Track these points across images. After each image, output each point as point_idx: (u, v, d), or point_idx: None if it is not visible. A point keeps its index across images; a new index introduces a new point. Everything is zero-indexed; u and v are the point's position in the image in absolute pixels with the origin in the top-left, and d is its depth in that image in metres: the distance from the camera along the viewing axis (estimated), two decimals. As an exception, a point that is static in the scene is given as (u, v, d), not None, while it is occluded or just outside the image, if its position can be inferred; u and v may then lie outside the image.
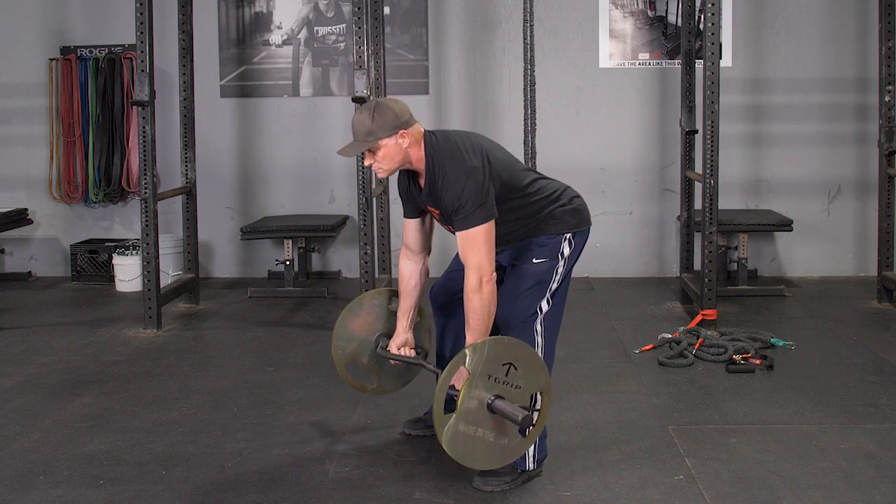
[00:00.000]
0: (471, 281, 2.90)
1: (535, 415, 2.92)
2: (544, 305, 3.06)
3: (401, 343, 3.28)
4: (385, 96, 5.72)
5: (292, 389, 4.11)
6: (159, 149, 5.49)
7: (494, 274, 2.94)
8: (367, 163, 3.05)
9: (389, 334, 3.33)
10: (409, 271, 3.25)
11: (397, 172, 3.12)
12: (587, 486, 3.05)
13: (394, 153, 2.98)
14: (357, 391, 3.48)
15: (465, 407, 2.78)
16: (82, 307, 5.91)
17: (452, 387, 2.81)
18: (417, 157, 3.01)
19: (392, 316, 3.35)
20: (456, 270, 3.28)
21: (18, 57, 6.73)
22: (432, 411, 2.78)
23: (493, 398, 2.81)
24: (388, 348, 3.30)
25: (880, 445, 3.36)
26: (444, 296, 3.33)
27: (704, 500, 2.94)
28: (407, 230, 3.23)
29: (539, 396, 2.92)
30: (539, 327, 3.05)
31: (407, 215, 3.21)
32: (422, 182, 3.06)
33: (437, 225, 3.23)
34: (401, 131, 2.96)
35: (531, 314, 3.04)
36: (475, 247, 2.91)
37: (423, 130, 3.03)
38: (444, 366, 3.49)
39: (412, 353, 3.29)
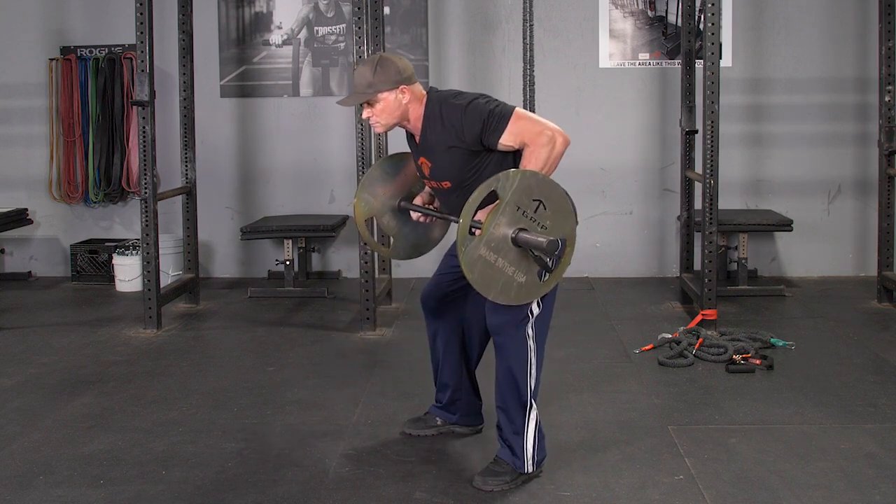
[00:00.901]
0: (539, 141, 2.84)
1: (556, 262, 2.86)
2: (535, 308, 3.04)
3: (427, 199, 3.26)
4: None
5: (292, 389, 4.11)
6: (159, 149, 5.49)
7: (567, 136, 2.90)
8: (364, 115, 3.04)
9: (412, 198, 3.29)
10: None
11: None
12: (587, 486, 3.05)
13: (392, 107, 2.98)
14: (372, 249, 3.40)
15: (491, 232, 2.73)
16: (82, 307, 5.91)
17: (478, 222, 2.74)
18: (415, 116, 3.01)
19: (420, 186, 3.30)
20: (444, 273, 3.28)
21: (18, 57, 6.73)
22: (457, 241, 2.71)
23: (517, 231, 2.76)
24: (413, 202, 3.26)
25: (880, 445, 3.36)
26: (434, 300, 3.32)
27: (704, 500, 2.94)
28: None
29: (562, 244, 2.84)
30: (530, 331, 3.03)
31: (415, 157, 3.20)
32: (417, 138, 3.06)
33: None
34: (402, 86, 2.96)
35: (522, 318, 3.01)
36: (525, 127, 2.88)
37: (423, 90, 3.03)
38: (436, 378, 3.49)
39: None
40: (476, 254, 2.72)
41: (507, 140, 2.90)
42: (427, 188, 3.26)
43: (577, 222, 3.05)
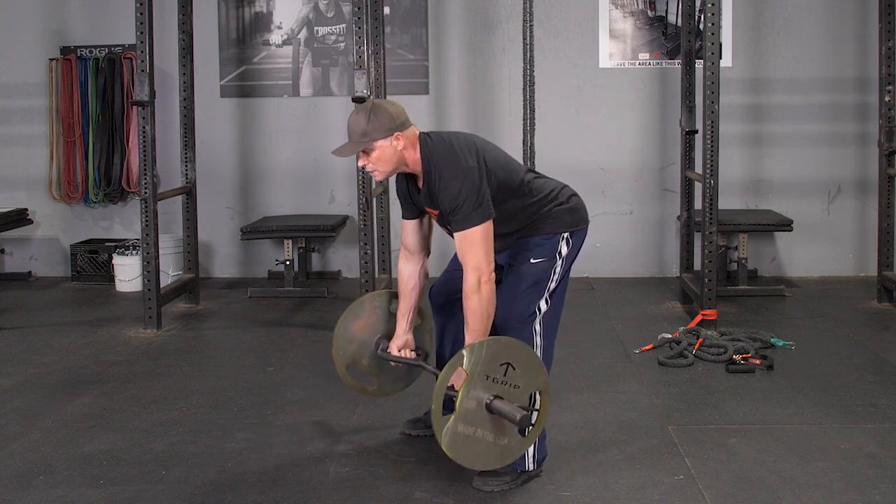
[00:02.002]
0: (469, 281, 2.91)
1: (535, 414, 2.91)
2: (543, 305, 3.06)
3: (401, 344, 3.29)
4: (385, 96, 5.72)
5: (292, 389, 4.11)
6: (159, 149, 5.49)
7: (493, 274, 2.94)
8: (360, 164, 3.05)
9: (390, 336, 3.33)
10: (408, 272, 3.25)
11: (396, 175, 3.12)
12: (587, 486, 3.05)
13: (388, 155, 2.99)
14: (357, 393, 3.48)
15: (464, 408, 2.78)
16: (82, 307, 5.91)
17: (451, 387, 2.81)
18: (413, 160, 3.01)
19: (393, 318, 3.35)
20: (454, 270, 3.27)
21: (18, 57, 6.73)
22: (431, 412, 2.78)
23: (491, 398, 2.81)
24: (388, 350, 3.30)
25: (880, 445, 3.36)
26: (443, 296, 3.33)
27: (704, 500, 2.94)
28: (405, 231, 3.23)
29: (538, 396, 2.91)
30: (538, 327, 3.06)
31: (405, 216, 3.22)
32: (420, 184, 3.06)
33: (436, 226, 3.23)
34: (396, 133, 2.96)
35: (530, 314, 3.04)
36: (473, 247, 2.92)
37: (418, 133, 3.03)
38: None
39: (412, 354, 3.30)
40: (454, 433, 2.77)
41: (457, 237, 2.95)
42: (399, 333, 3.29)
43: (587, 224, 3.14)
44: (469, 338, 2.92)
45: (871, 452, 3.30)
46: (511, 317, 3.02)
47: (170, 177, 6.26)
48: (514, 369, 2.84)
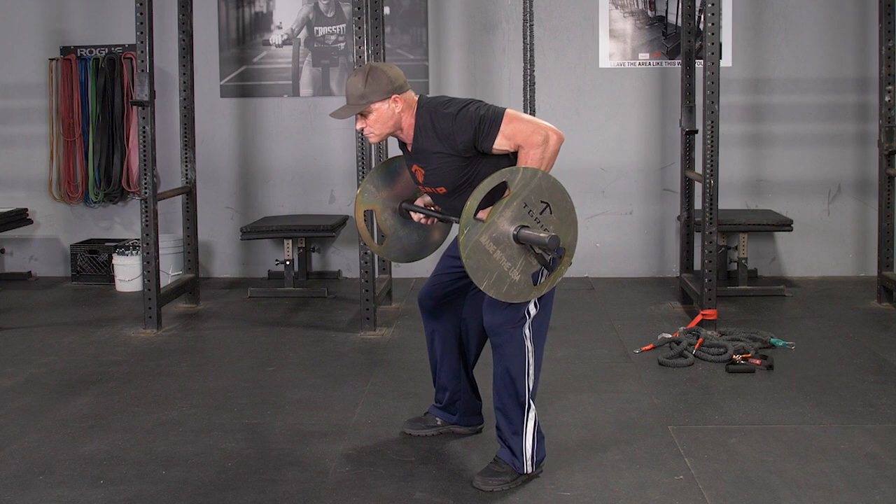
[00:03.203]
0: (533, 139, 2.84)
1: (547, 273, 2.86)
2: (532, 309, 3.03)
3: (428, 201, 3.26)
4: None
5: (292, 389, 4.11)
6: (159, 149, 5.49)
7: (561, 133, 2.89)
8: (358, 126, 3.04)
9: (413, 201, 3.30)
10: None
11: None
12: (587, 486, 3.05)
13: (385, 118, 2.98)
14: (366, 243, 3.38)
15: (495, 222, 2.73)
16: (82, 307, 5.91)
17: (480, 220, 2.74)
18: (408, 124, 3.01)
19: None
20: (442, 274, 3.28)
21: (18, 57, 6.74)
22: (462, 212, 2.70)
23: (520, 227, 2.76)
24: (414, 203, 3.26)
25: (880, 445, 3.36)
26: (432, 300, 3.32)
27: (704, 500, 2.94)
28: None
29: (561, 253, 2.85)
30: (527, 331, 3.03)
31: (408, 165, 3.19)
32: (409, 147, 3.06)
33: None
34: (394, 96, 2.96)
35: (519, 319, 3.01)
36: (518, 128, 2.87)
37: (416, 98, 3.03)
38: (435, 378, 3.48)
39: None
40: (476, 240, 2.72)
41: (500, 144, 2.90)
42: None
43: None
44: (519, 163, 2.86)
45: (871, 452, 3.30)
46: (501, 321, 3.00)
47: (170, 177, 6.27)
48: (550, 213, 2.79)
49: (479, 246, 2.73)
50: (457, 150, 2.93)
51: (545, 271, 2.89)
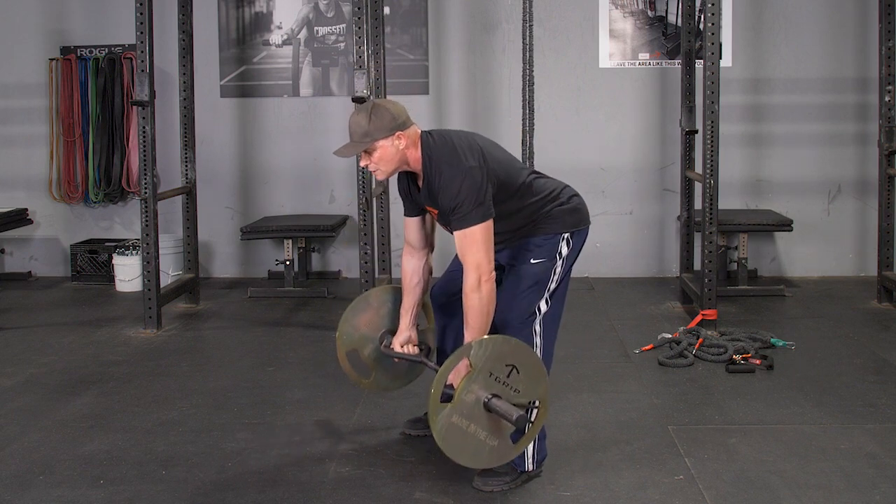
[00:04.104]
0: (469, 280, 2.90)
1: (528, 425, 2.90)
2: (543, 306, 3.05)
3: (403, 340, 3.28)
4: (385, 96, 5.72)
5: (292, 389, 4.11)
6: (159, 149, 5.49)
7: (493, 273, 2.93)
8: (362, 164, 3.05)
9: (394, 332, 3.33)
10: (411, 268, 3.26)
11: (397, 173, 3.12)
12: (587, 486, 3.05)
13: (390, 155, 2.98)
14: (353, 383, 3.46)
15: (462, 399, 2.76)
16: (82, 307, 5.91)
17: (450, 385, 2.80)
18: (414, 159, 3.01)
19: (399, 314, 3.34)
20: (456, 270, 3.27)
21: (18, 57, 6.73)
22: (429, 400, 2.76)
23: (490, 396, 2.79)
24: (391, 346, 3.30)
25: (880, 445, 3.36)
26: (445, 296, 3.32)
27: (704, 500, 2.94)
28: (408, 228, 3.23)
29: (536, 407, 2.90)
30: (538, 328, 3.05)
31: (407, 214, 3.22)
32: (420, 183, 3.06)
33: (438, 226, 3.23)
34: (397, 133, 2.96)
35: (530, 315, 3.03)
36: (473, 245, 2.91)
37: (419, 132, 3.03)
38: None
39: (415, 350, 3.29)
40: (448, 422, 2.75)
41: (455, 236, 2.93)
42: (402, 329, 3.29)
43: (588, 224, 3.13)
44: (468, 336, 2.91)
45: (871, 452, 3.30)
46: (511, 317, 3.02)
47: (170, 177, 6.26)
48: (517, 373, 2.83)
49: (452, 427, 2.76)
50: (445, 208, 2.97)
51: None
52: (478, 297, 2.89)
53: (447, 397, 2.78)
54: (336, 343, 3.33)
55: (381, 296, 3.39)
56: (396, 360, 3.34)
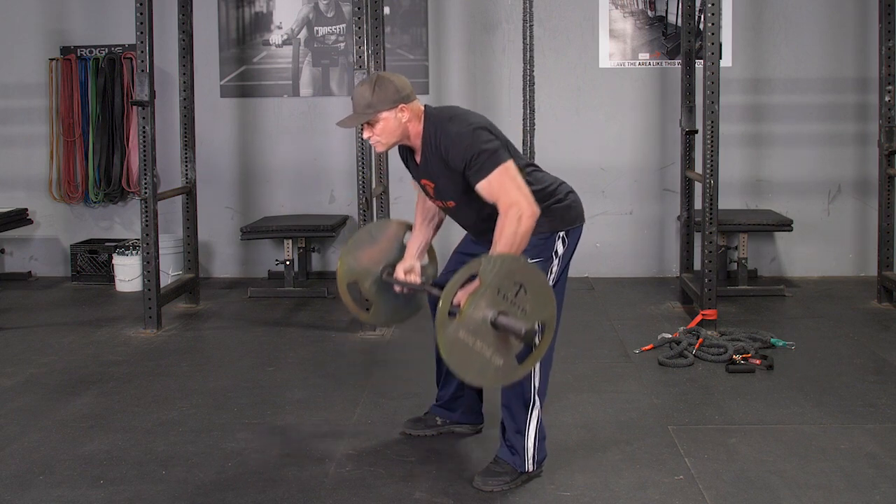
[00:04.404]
0: (509, 216, 2.81)
1: (533, 347, 2.84)
2: None
3: (407, 268, 3.24)
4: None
5: (292, 389, 4.11)
6: (159, 149, 5.49)
7: (536, 210, 2.85)
8: (365, 135, 3.04)
9: (395, 265, 3.29)
10: (427, 206, 3.25)
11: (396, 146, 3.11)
12: (587, 486, 3.05)
13: (393, 127, 2.97)
14: (352, 313, 3.40)
15: (470, 315, 2.71)
16: (82, 307, 5.91)
17: (456, 306, 2.73)
18: (415, 133, 3.00)
19: (404, 251, 3.31)
20: (452, 271, 3.27)
21: (18, 57, 6.74)
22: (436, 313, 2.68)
23: (496, 313, 2.74)
24: (394, 275, 3.26)
25: (880, 445, 3.36)
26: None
27: (704, 500, 2.94)
28: (420, 188, 3.21)
29: (542, 329, 2.83)
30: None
31: (415, 178, 3.19)
32: (418, 158, 3.06)
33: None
34: (401, 105, 2.95)
35: None
36: (502, 188, 2.84)
37: (422, 107, 3.02)
38: (439, 374, 3.48)
39: (418, 280, 3.24)
40: (455, 337, 2.70)
41: (482, 189, 2.87)
42: (408, 256, 3.26)
43: (583, 222, 3.07)
44: (494, 237, 2.84)
45: (871, 452, 3.30)
46: None
47: (170, 177, 6.26)
48: (525, 293, 2.76)
49: (458, 342, 2.71)
50: (458, 170, 2.93)
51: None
52: (515, 227, 2.80)
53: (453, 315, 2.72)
54: (337, 274, 3.27)
55: (385, 229, 3.34)
56: (398, 288, 3.26)
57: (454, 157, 2.90)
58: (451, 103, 6.57)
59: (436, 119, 2.98)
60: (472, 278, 2.72)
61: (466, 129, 2.89)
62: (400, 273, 3.24)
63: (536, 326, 2.75)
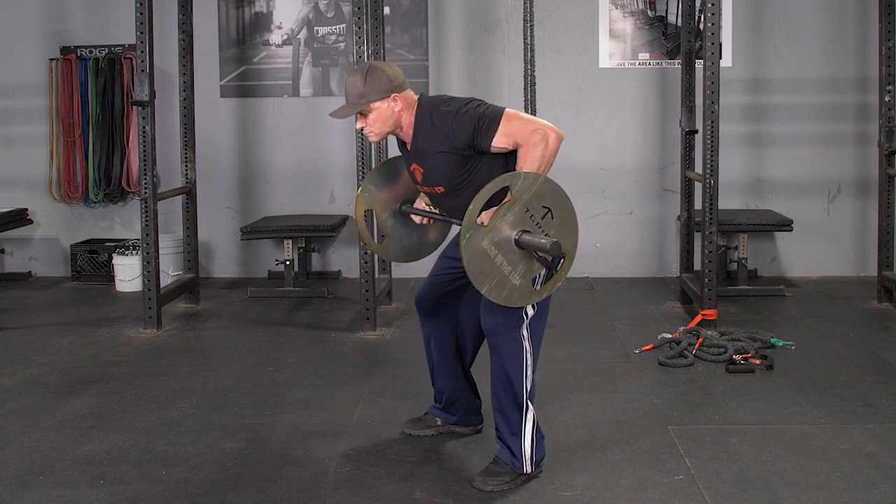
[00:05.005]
0: (533, 140, 2.82)
1: (554, 272, 2.86)
2: (530, 310, 3.01)
3: (428, 202, 3.25)
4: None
5: (292, 389, 4.11)
6: (159, 149, 5.48)
7: (560, 132, 2.86)
8: (358, 125, 3.04)
9: (412, 202, 3.30)
10: None
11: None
12: (587, 486, 3.05)
13: (385, 117, 2.98)
14: (364, 242, 3.38)
15: (497, 227, 2.71)
16: (82, 307, 5.91)
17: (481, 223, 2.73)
18: (407, 122, 3.01)
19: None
20: (439, 275, 3.27)
21: (18, 57, 6.73)
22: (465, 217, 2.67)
23: (521, 232, 2.75)
24: (414, 205, 3.26)
25: (880, 445, 3.36)
26: (428, 301, 3.31)
27: (704, 500, 2.94)
28: None
29: (562, 257, 2.83)
30: (525, 332, 3.02)
31: (406, 164, 3.19)
32: (408, 144, 3.06)
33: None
34: (393, 95, 2.96)
35: (517, 319, 3.00)
36: (517, 127, 2.86)
37: (415, 97, 3.02)
38: (433, 379, 3.48)
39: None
40: (479, 245, 2.71)
41: (499, 142, 2.89)
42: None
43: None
44: (518, 163, 2.85)
45: (871, 452, 3.30)
46: (499, 322, 2.99)
47: (170, 177, 6.26)
48: (552, 218, 2.78)
49: (480, 250, 2.72)
50: (456, 149, 2.93)
51: (542, 276, 2.87)
52: (541, 149, 2.82)
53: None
54: (357, 199, 3.26)
55: (402, 164, 3.31)
56: (418, 219, 3.26)
57: (460, 132, 2.91)
58: (451, 103, 6.59)
59: (431, 104, 2.99)
60: (501, 191, 2.72)
61: (462, 103, 2.94)
62: (422, 204, 3.25)
63: (560, 242, 2.76)
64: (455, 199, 3.03)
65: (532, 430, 3.05)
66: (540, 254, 2.79)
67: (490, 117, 2.89)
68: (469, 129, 2.89)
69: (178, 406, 3.90)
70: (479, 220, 2.72)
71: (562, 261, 2.84)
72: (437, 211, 3.24)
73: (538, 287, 2.88)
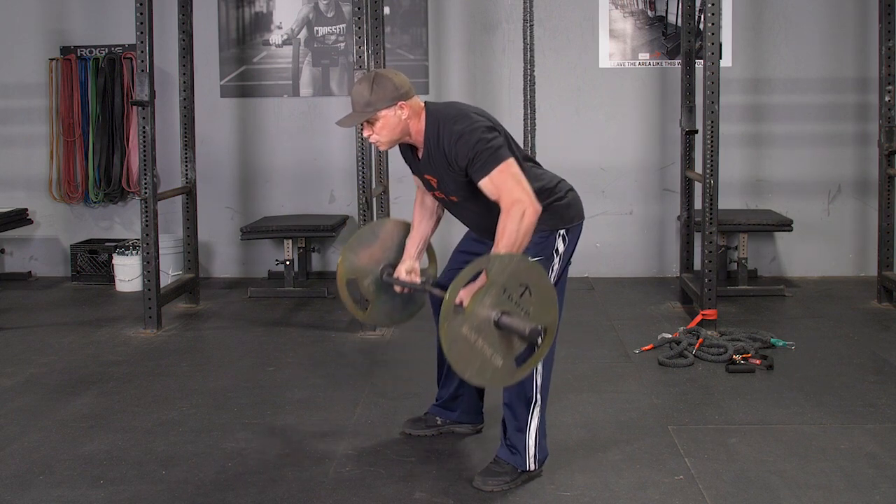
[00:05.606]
0: (512, 213, 2.80)
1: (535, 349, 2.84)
2: None
3: (408, 268, 3.24)
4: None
5: (292, 389, 4.11)
6: (159, 149, 5.49)
7: (538, 206, 2.84)
8: (365, 134, 3.02)
9: (395, 265, 3.28)
10: (428, 201, 3.24)
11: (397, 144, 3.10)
12: (587, 486, 3.05)
13: (392, 125, 2.96)
14: (350, 312, 3.39)
15: (475, 312, 2.69)
16: (82, 307, 5.91)
17: (458, 304, 2.72)
18: (416, 130, 2.99)
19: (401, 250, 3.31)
20: (454, 269, 3.26)
21: (18, 57, 6.74)
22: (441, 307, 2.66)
23: (500, 313, 2.73)
24: (394, 275, 3.26)
25: (880, 445, 3.36)
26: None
27: (704, 500, 2.94)
28: (419, 183, 3.20)
29: (543, 333, 2.80)
30: (539, 327, 3.03)
31: (416, 173, 3.18)
32: (420, 153, 3.05)
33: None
34: (400, 103, 2.94)
35: None
36: (504, 185, 2.84)
37: (422, 104, 3.01)
38: (440, 373, 3.48)
39: (418, 280, 3.23)
40: (458, 331, 2.68)
41: (485, 186, 2.87)
42: (407, 256, 3.26)
43: (583, 220, 3.07)
44: (497, 235, 2.83)
45: (871, 452, 3.30)
46: None
47: (170, 177, 6.26)
48: (530, 295, 2.76)
49: (460, 337, 2.69)
50: (460, 168, 2.92)
51: (524, 353, 2.83)
52: (516, 225, 2.79)
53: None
54: (337, 271, 3.26)
55: (386, 228, 3.33)
56: (398, 288, 3.26)
57: (458, 155, 2.89)
58: (451, 103, 6.59)
59: (438, 116, 2.96)
60: (477, 275, 2.71)
61: (469, 127, 2.88)
62: (401, 273, 3.23)
63: (540, 328, 2.74)
64: (471, 208, 3.03)
65: (538, 426, 3.05)
66: (517, 339, 2.76)
67: (488, 158, 2.85)
68: (465, 158, 2.88)
69: (178, 406, 3.90)
70: (457, 300, 2.69)
71: (542, 336, 2.81)
72: (418, 282, 3.22)
73: (523, 365, 2.84)
